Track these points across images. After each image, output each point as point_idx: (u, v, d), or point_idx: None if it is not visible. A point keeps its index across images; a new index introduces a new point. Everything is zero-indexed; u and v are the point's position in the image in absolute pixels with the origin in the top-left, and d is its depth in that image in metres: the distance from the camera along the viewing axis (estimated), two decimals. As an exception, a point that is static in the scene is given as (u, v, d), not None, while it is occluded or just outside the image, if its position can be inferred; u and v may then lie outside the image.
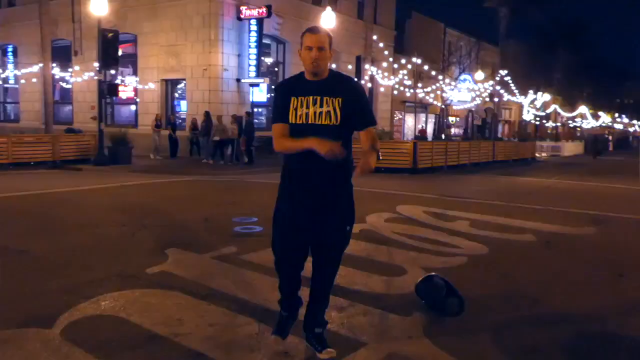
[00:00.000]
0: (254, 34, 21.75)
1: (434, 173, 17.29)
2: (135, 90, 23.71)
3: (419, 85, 29.42)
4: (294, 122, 3.09)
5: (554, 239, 7.09)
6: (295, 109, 3.08)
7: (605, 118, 69.76)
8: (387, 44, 27.33)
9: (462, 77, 37.63)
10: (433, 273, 4.43)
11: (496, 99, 35.54)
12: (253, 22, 21.57)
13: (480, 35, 40.14)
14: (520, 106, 47.19)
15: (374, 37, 25.97)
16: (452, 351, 3.33)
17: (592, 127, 61.74)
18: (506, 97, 36.84)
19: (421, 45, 34.42)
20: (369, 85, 26.41)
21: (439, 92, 33.06)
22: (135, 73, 23.74)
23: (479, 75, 35.46)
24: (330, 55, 3.08)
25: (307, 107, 3.06)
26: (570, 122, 58.43)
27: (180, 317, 3.87)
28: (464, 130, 39.17)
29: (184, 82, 22.60)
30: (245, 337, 3.56)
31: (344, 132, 3.09)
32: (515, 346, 3.50)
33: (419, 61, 26.47)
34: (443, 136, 32.90)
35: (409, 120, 36.16)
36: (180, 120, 22.53)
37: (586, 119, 63.30)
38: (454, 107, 37.42)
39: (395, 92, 29.39)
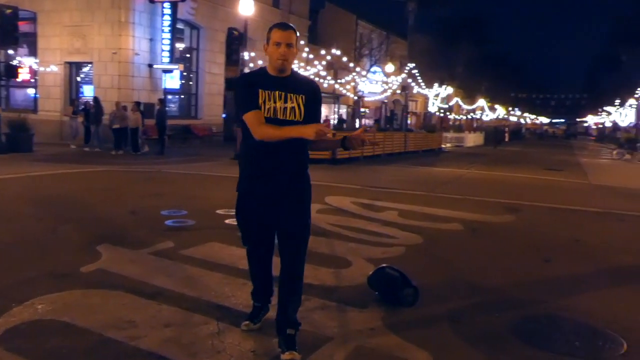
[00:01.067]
0: (167, 17, 20.92)
1: (352, 163, 17.57)
2: (33, 72, 22.02)
3: (330, 77, 29.72)
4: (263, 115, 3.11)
5: (479, 227, 7.47)
6: (264, 102, 3.08)
7: (500, 111, 74.46)
8: (302, 33, 27.31)
9: (373, 69, 38.56)
10: (384, 265, 4.50)
11: (406, 92, 36.74)
12: (167, 5, 20.75)
13: (390, 28, 41.27)
14: (426, 98, 49.19)
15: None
16: (418, 342, 3.40)
17: (491, 120, 65.68)
18: (416, 89, 38.19)
19: (334, 36, 34.82)
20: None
21: (352, 84, 33.64)
22: (33, 54, 22.04)
23: (389, 67, 36.47)
24: (296, 52, 3.13)
25: (274, 102, 3.09)
26: (470, 114, 61.69)
27: (131, 318, 3.65)
28: (375, 121, 40.15)
29: (91, 65, 21.30)
30: (207, 337, 3.43)
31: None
32: (475, 334, 3.63)
33: (338, 52, 26.73)
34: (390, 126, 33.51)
35: (322, 111, 36.52)
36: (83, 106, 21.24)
37: (484, 111, 67.23)
38: (366, 99, 38.24)
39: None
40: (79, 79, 22.32)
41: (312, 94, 3.20)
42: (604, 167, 22.65)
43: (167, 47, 21.15)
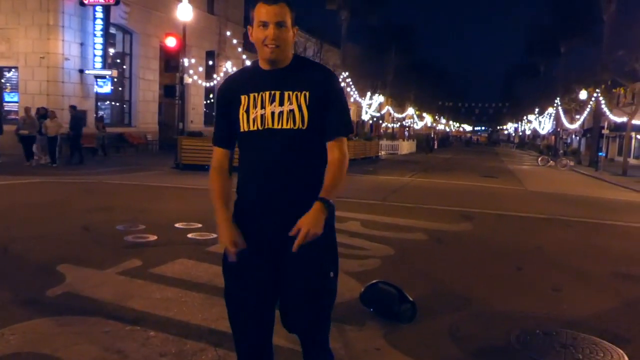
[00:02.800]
0: (99, 21, 20.02)
1: (296, 172, 17.49)
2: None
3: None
4: (246, 129, 2.23)
5: (442, 236, 7.56)
6: (247, 111, 2.23)
7: (428, 119, 76.96)
8: (238, 41, 26.97)
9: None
10: (376, 280, 4.41)
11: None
12: (99, 8, 19.84)
13: (324, 37, 41.60)
14: (359, 107, 49.92)
15: (228, 33, 25.46)
16: (430, 360, 3.33)
17: (422, 127, 67.68)
18: (352, 98, 38.64)
19: (269, 44, 34.57)
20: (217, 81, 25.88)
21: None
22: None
23: (325, 75, 36.68)
24: (293, 34, 2.23)
25: (263, 107, 2.21)
26: (401, 122, 63.23)
27: (119, 348, 3.35)
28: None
29: (15, 70, 20.00)
30: (210, 365, 3.20)
31: (314, 138, 2.22)
32: (479, 348, 3.61)
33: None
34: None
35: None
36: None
37: (414, 120, 69.20)
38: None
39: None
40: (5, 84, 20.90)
41: (321, 85, 2.23)
42: (534, 174, 23.78)
43: (100, 52, 20.22)
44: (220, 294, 4.32)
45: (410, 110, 65.16)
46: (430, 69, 66.68)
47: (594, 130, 33.98)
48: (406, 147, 39.22)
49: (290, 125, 2.18)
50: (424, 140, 44.46)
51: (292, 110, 2.18)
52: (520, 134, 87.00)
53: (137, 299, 4.28)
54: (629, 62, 24.78)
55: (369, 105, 48.87)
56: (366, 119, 50.84)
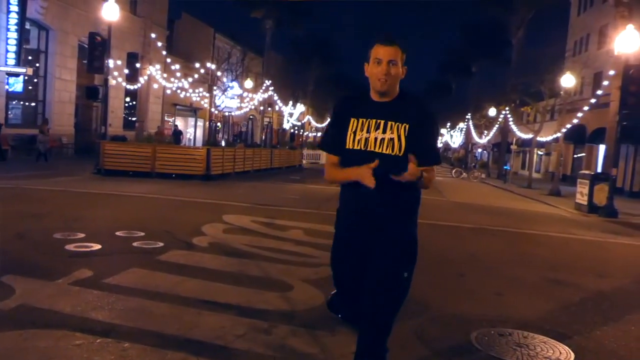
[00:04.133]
0: (14, 15, 18.90)
1: (224, 180, 17.31)
2: None
3: (190, 88, 29.00)
4: (350, 147, 2.72)
5: (384, 244, 7.84)
6: (354, 132, 2.71)
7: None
8: (162, 44, 26.30)
9: (231, 84, 38.38)
10: (342, 287, 4.53)
11: (269, 108, 37.13)
12: (14, 1, 18.71)
13: (247, 45, 41.48)
14: (280, 115, 50.16)
15: (153, 36, 24.79)
16: (409, 363, 3.51)
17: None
18: (277, 106, 38.75)
19: (191, 48, 34.10)
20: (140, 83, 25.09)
21: (208, 98, 33.11)
22: None
23: (248, 83, 36.62)
24: (402, 71, 2.68)
25: (368, 132, 2.68)
26: (321, 132, 64.04)
27: (96, 362, 3.26)
28: (235, 136, 39.93)
29: None
30: (196, 375, 3.20)
31: (406, 163, 2.62)
32: (447, 348, 3.84)
33: (196, 64, 26.16)
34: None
35: (179, 123, 35.36)
36: None
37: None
38: (226, 114, 37.90)
39: (169, 91, 28.50)
40: None
41: (419, 120, 2.68)
42: (450, 185, 25.01)
43: (14, 48, 19.04)
44: (186, 304, 4.33)
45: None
46: (350, 82, 68.24)
47: (502, 145, 36.27)
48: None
49: (389, 151, 2.67)
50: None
51: (392, 139, 2.66)
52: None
53: (99, 310, 4.15)
54: (534, 84, 26.74)
55: (291, 114, 49.25)
56: (287, 128, 51.18)
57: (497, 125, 37.01)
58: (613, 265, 8.00)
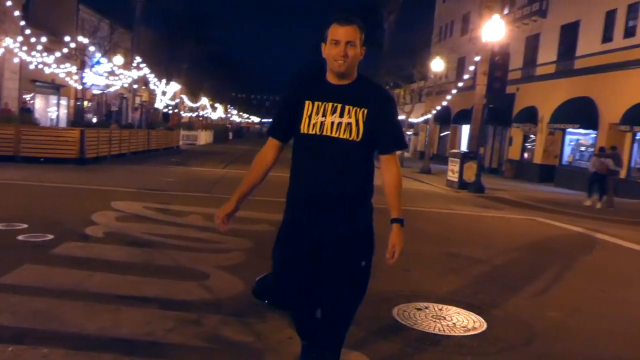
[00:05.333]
0: None
1: (101, 163, 16.22)
2: None
3: (53, 64, 26.59)
4: (305, 131, 2.57)
5: (287, 226, 7.87)
6: (310, 116, 2.56)
7: (220, 110, 77.17)
8: (20, 13, 23.68)
9: (99, 60, 35.82)
10: (266, 273, 4.48)
11: (135, 86, 35.17)
12: None
13: (115, 18, 38.85)
14: (153, 94, 47.85)
15: (8, 4, 22.23)
16: (361, 350, 3.57)
17: (219, 118, 67.55)
18: (151, 84, 36.90)
19: (52, 20, 31.23)
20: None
21: (74, 74, 30.61)
22: None
23: (118, 59, 34.38)
24: (361, 52, 2.55)
25: (324, 116, 2.54)
26: (195, 112, 62.35)
27: (14, 372, 2.94)
28: (106, 116, 37.40)
29: None
30: (132, 376, 3.00)
31: (364, 150, 2.58)
32: (378, 328, 3.98)
33: (61, 38, 24.02)
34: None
35: (38, 102, 32.32)
36: None
37: (206, 109, 68.75)
38: (93, 92, 35.34)
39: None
40: None
41: (380, 105, 2.57)
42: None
43: None
44: (99, 300, 4.04)
45: (204, 100, 64.60)
46: (227, 61, 66.87)
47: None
48: (204, 137, 38.91)
49: (346, 136, 2.53)
50: (221, 130, 44.82)
51: (349, 123, 2.53)
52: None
53: (2, 314, 3.73)
54: (406, 68, 28.15)
55: (164, 93, 47.17)
56: (161, 107, 49.00)
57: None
58: (494, 236, 8.74)
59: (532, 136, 24.38)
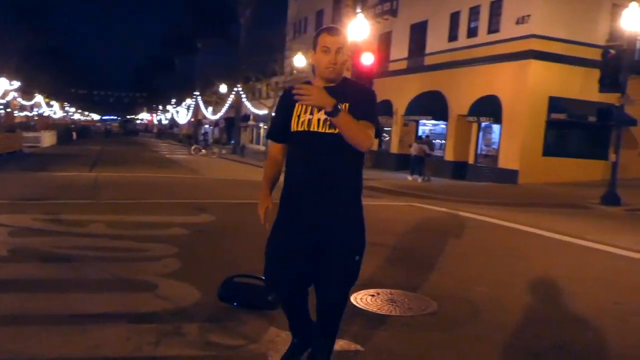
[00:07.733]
0: None
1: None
2: None
3: None
4: (295, 129, 2.81)
5: (200, 228, 7.76)
6: (299, 115, 2.81)
7: (57, 107, 71.02)
8: None
9: None
10: (230, 276, 4.47)
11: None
12: None
13: None
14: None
15: None
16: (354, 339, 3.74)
17: (62, 118, 61.89)
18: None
19: None
20: None
21: None
22: None
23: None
24: (347, 57, 2.81)
25: (311, 114, 2.77)
26: (34, 110, 56.77)
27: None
28: None
29: None
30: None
31: (351, 146, 2.70)
32: (348, 314, 4.22)
33: None
34: None
35: None
36: None
37: (42, 107, 62.80)
38: None
39: None
40: None
41: (358, 97, 2.78)
42: (197, 163, 25.11)
43: None
44: (58, 322, 3.82)
45: (39, 98, 58.95)
46: (67, 56, 61.58)
47: (236, 120, 37.72)
48: (48, 139, 35.63)
49: (331, 130, 2.71)
50: (63, 130, 41.33)
51: None
52: (157, 123, 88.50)
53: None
54: (267, 63, 28.48)
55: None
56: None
57: (229, 101, 38.17)
58: (396, 223, 9.19)
59: (387, 128, 26.13)
